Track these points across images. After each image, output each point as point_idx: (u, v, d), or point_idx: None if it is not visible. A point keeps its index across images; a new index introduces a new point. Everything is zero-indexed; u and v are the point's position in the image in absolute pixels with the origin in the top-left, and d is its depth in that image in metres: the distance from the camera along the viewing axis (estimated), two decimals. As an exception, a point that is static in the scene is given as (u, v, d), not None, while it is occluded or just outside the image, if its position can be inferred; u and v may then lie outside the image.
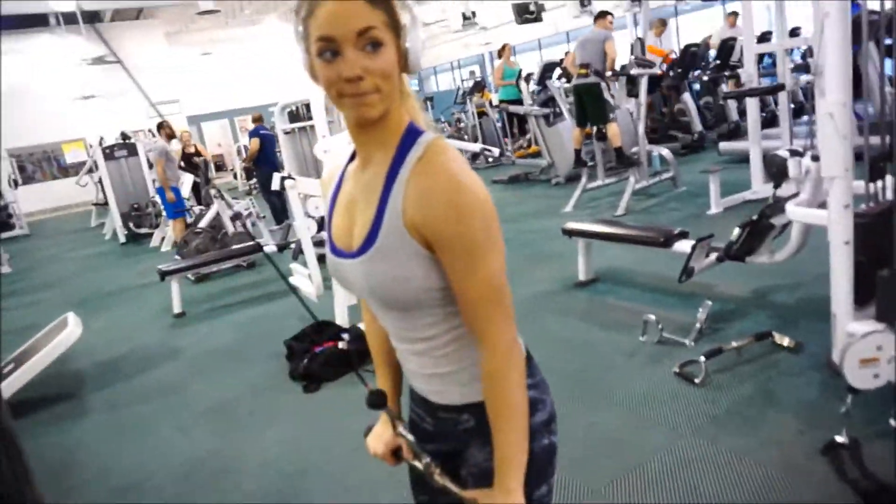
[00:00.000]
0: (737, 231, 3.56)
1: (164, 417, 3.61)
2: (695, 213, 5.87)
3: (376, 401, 1.12)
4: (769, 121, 7.86)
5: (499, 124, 11.68)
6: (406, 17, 0.96)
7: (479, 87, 12.28)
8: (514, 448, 1.03)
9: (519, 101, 9.62)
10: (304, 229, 4.55)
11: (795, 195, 3.21)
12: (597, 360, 3.40)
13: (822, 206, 2.85)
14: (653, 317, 3.46)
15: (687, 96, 9.37)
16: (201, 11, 10.70)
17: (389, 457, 1.27)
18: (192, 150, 9.42)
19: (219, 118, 20.32)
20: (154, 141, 10.20)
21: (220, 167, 19.57)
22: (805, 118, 7.75)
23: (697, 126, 9.23)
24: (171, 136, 8.78)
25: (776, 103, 7.86)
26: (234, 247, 6.46)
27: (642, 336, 3.50)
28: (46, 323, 4.43)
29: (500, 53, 10.52)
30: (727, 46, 8.99)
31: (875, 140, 2.59)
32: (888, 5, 2.71)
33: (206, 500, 2.73)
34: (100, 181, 11.14)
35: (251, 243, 6.31)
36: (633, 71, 6.62)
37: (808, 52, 7.07)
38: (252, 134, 8.67)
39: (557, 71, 9.12)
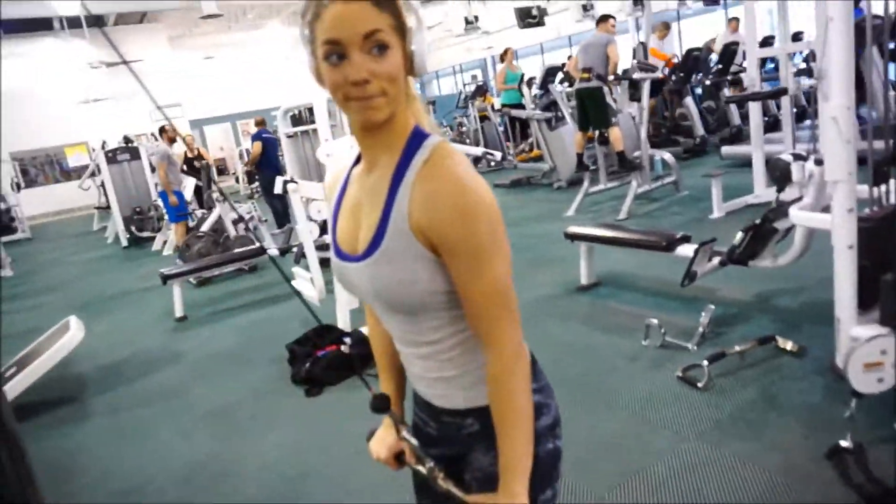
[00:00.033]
0: (740, 235, 3.55)
1: (165, 421, 3.61)
2: (697, 218, 5.86)
3: (380, 405, 1.12)
4: (771, 125, 7.87)
5: (501, 128, 11.69)
6: (412, 20, 0.96)
7: (482, 91, 12.29)
8: (519, 452, 1.03)
9: (521, 106, 9.63)
10: (306, 233, 4.55)
11: (799, 199, 3.20)
12: (599, 364, 3.39)
13: (826, 210, 2.85)
14: (655, 321, 3.46)
15: (689, 100, 9.37)
16: (204, 16, 10.73)
17: (392, 461, 1.27)
18: (194, 153, 9.44)
19: (221, 122, 20.37)
20: (156, 145, 10.23)
21: (222, 171, 19.59)
22: (808, 122, 7.75)
23: (699, 130, 9.24)
24: (172, 139, 8.80)
25: (778, 108, 7.85)
26: (237, 250, 6.46)
27: (645, 340, 3.49)
28: (48, 326, 4.44)
29: (503, 57, 10.53)
30: (729, 51, 9.00)
31: (879, 144, 2.59)
32: (892, 9, 2.71)
33: (208, 503, 2.73)
34: (102, 185, 11.16)
35: (254, 247, 6.31)
36: (636, 75, 6.62)
37: (810, 57, 7.07)
38: (255, 137, 8.68)
39: (560, 75, 9.13)
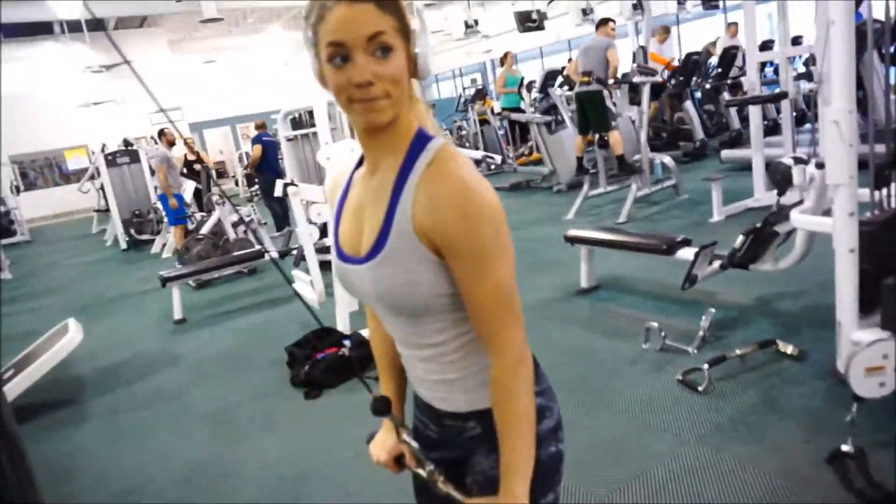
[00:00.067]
0: (740, 239, 3.55)
1: (164, 423, 3.60)
2: (697, 221, 5.86)
3: (381, 407, 1.11)
4: (771, 129, 7.88)
5: (500, 132, 11.70)
6: (416, 22, 0.96)
7: (481, 94, 12.31)
8: (521, 455, 1.02)
9: (521, 109, 9.64)
10: (306, 236, 4.55)
11: (799, 203, 3.20)
12: (599, 368, 3.39)
13: (827, 213, 2.85)
14: (655, 324, 3.45)
15: (689, 104, 9.39)
16: (205, 20, 10.71)
17: (392, 464, 1.26)
18: (193, 156, 9.44)
19: (221, 125, 20.36)
20: (156, 148, 10.22)
21: (221, 174, 19.59)
22: (807, 126, 7.76)
23: (699, 134, 9.25)
24: (172, 142, 8.80)
25: (778, 111, 7.87)
26: (237, 253, 6.46)
27: (645, 343, 3.49)
28: (47, 329, 4.43)
29: (503, 61, 10.55)
30: (729, 55, 9.02)
31: (880, 148, 2.59)
32: (892, 13, 2.71)
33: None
34: (101, 188, 11.16)
35: (253, 249, 6.31)
36: (636, 79, 6.63)
37: (809, 61, 7.08)
38: (255, 141, 8.69)
39: (559, 79, 9.14)
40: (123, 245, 10.27)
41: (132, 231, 10.29)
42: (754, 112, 5.71)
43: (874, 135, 2.57)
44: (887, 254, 2.40)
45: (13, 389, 3.69)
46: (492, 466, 1.07)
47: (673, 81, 9.11)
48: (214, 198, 7.84)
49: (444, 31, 16.59)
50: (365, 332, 3.77)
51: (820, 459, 2.29)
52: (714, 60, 9.77)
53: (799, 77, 7.34)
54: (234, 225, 7.32)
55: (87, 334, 4.30)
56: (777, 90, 5.64)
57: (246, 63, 19.70)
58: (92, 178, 12.85)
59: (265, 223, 8.00)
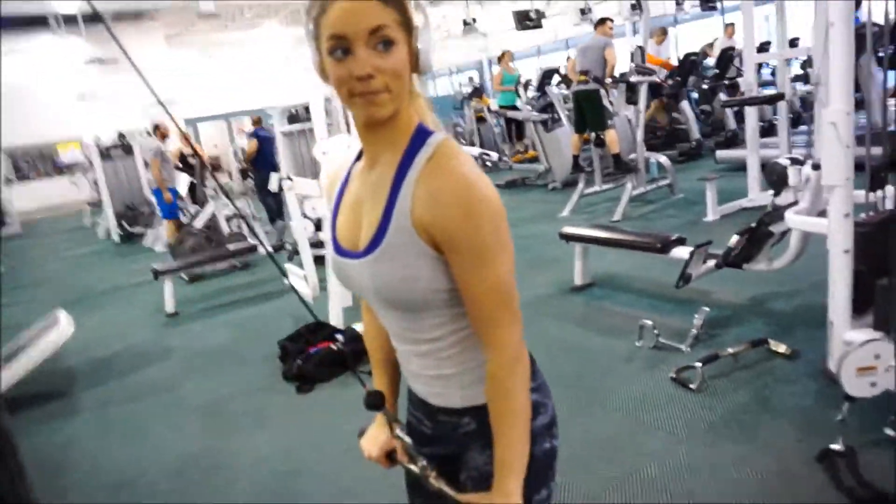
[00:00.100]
0: (735, 238, 3.56)
1: (156, 416, 3.60)
2: (691, 220, 5.88)
3: (374, 402, 1.11)
4: (766, 130, 7.89)
5: (497, 129, 11.69)
6: (419, 17, 0.96)
7: (478, 92, 12.30)
8: (516, 451, 1.02)
9: (518, 107, 9.63)
10: (301, 230, 4.54)
11: (794, 203, 3.21)
12: (593, 365, 3.40)
13: (822, 214, 2.86)
14: (649, 322, 3.46)
15: (685, 104, 9.40)
16: (201, 14, 10.64)
17: (384, 459, 1.26)
18: (188, 150, 9.38)
19: (216, 120, 20.27)
20: (150, 141, 10.17)
21: (215, 168, 19.50)
22: (802, 128, 7.79)
23: (695, 134, 9.26)
24: (165, 135, 8.75)
25: (774, 113, 7.89)
26: (230, 246, 6.44)
27: (639, 341, 3.49)
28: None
29: (500, 59, 10.53)
30: (726, 56, 9.03)
31: (876, 150, 2.59)
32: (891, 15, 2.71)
33: (200, 496, 2.72)
34: (94, 180, 11.10)
35: (247, 243, 6.28)
36: (633, 78, 6.64)
37: (806, 63, 7.10)
38: (251, 135, 8.65)
39: (556, 77, 9.15)
40: (116, 238, 10.22)
41: (125, 224, 10.24)
42: (751, 113, 5.72)
43: (871, 137, 2.57)
44: (882, 255, 2.41)
45: (4, 381, 3.67)
46: (486, 462, 1.07)
47: (670, 82, 9.12)
48: (208, 191, 7.80)
49: (443, 28, 16.54)
50: (358, 327, 3.77)
51: (811, 458, 2.30)
52: (711, 61, 9.78)
53: (795, 79, 7.37)
54: (229, 219, 7.29)
55: (79, 327, 4.28)
56: (774, 91, 5.66)
57: (243, 58, 19.62)
58: (85, 170, 12.77)
59: (259, 218, 7.98)
